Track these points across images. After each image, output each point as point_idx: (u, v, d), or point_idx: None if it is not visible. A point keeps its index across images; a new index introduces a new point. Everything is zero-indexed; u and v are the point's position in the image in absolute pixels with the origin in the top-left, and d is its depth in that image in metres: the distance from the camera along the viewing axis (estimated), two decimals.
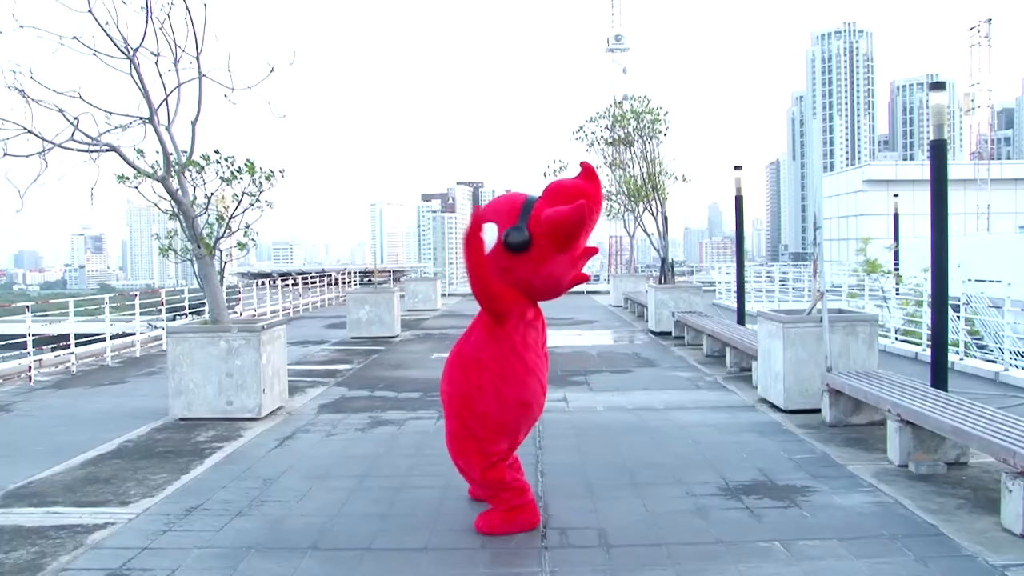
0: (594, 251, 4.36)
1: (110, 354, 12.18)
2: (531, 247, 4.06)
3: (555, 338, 14.10)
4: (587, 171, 4.29)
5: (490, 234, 4.15)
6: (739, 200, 13.42)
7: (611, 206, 20.87)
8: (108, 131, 7.19)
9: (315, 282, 27.76)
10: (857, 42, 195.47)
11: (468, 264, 4.04)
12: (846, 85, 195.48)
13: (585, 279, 4.37)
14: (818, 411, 7.04)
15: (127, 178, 7.57)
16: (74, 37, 6.80)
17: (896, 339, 13.28)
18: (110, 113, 7.17)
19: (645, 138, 16.97)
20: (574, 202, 4.00)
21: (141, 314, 13.92)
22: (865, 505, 4.69)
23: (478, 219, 4.12)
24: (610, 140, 18.54)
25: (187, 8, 7.19)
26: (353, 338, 14.66)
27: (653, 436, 6.62)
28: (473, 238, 4.01)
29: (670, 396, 8.48)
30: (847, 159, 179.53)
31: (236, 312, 17.81)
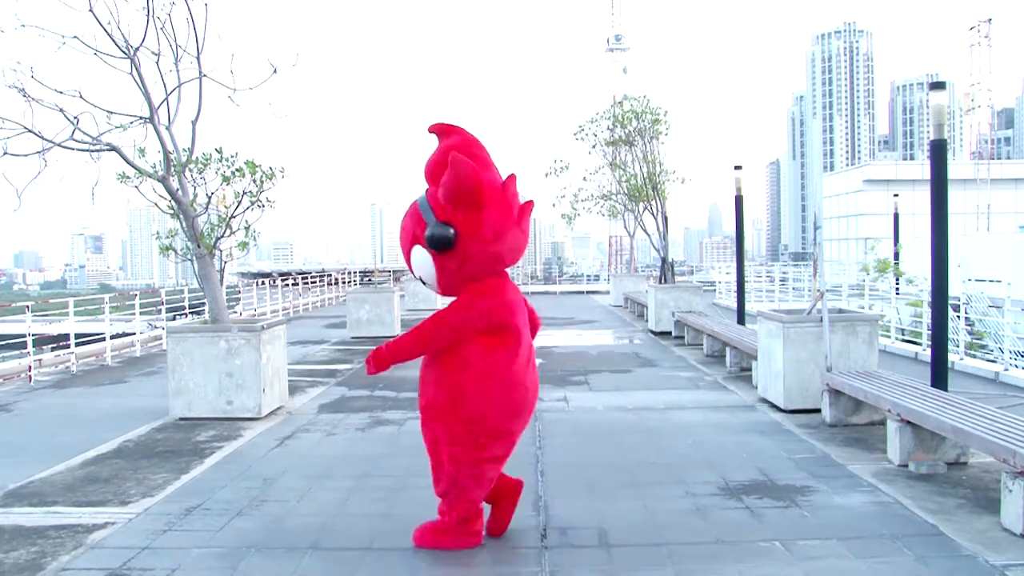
0: (529, 204, 3.97)
1: (110, 354, 12.18)
2: (457, 232, 3.72)
3: (555, 338, 14.12)
4: (440, 131, 3.93)
5: (421, 256, 3.86)
6: (739, 200, 13.42)
7: (612, 206, 20.89)
8: (108, 131, 7.20)
9: (315, 282, 27.76)
10: (857, 42, 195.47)
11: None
12: (846, 85, 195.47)
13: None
14: (818, 411, 7.04)
15: (128, 177, 7.58)
16: (75, 36, 6.81)
17: (896, 339, 13.28)
18: (111, 113, 7.17)
19: (646, 138, 16.98)
20: (445, 160, 3.66)
21: (141, 314, 13.93)
22: (865, 505, 4.69)
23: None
24: (610, 140, 18.54)
25: (188, 8, 7.19)
26: (353, 338, 14.66)
27: (653, 436, 6.62)
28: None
29: (670, 396, 8.48)
30: (847, 159, 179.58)
31: (236, 312, 17.82)
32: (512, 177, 3.95)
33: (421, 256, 3.86)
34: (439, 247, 3.75)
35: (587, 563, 3.90)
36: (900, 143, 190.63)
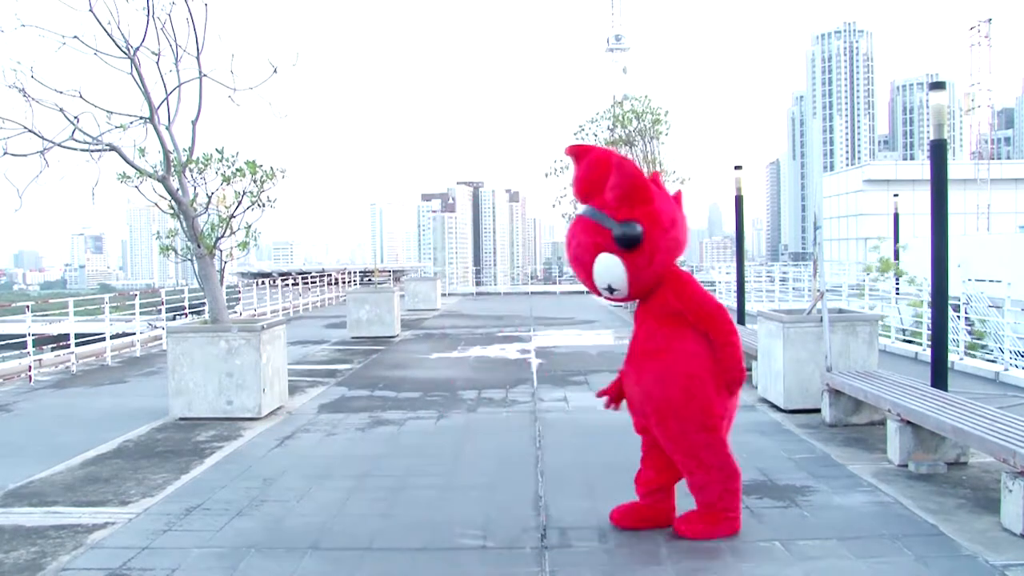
0: (679, 194, 4.30)
1: (110, 354, 12.17)
2: (643, 227, 3.90)
3: (555, 338, 14.11)
4: (576, 152, 4.16)
5: (609, 261, 3.97)
6: (739, 200, 13.42)
7: None
8: (109, 131, 7.20)
9: (315, 282, 27.75)
10: (857, 42, 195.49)
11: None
12: (846, 85, 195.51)
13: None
14: (818, 411, 7.04)
15: (128, 178, 7.58)
16: (75, 36, 6.81)
17: (896, 339, 13.28)
18: (111, 113, 7.18)
19: (646, 138, 16.98)
20: (600, 171, 3.95)
21: (141, 314, 13.92)
22: (865, 505, 4.70)
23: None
24: (611, 140, 18.56)
25: (188, 8, 7.20)
26: (353, 338, 14.66)
27: None
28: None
29: None
30: (847, 159, 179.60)
31: (236, 312, 17.82)
32: (656, 173, 4.26)
33: (609, 262, 3.97)
34: (631, 244, 3.91)
35: (587, 563, 3.90)
36: (900, 143, 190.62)
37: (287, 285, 25.51)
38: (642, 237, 3.90)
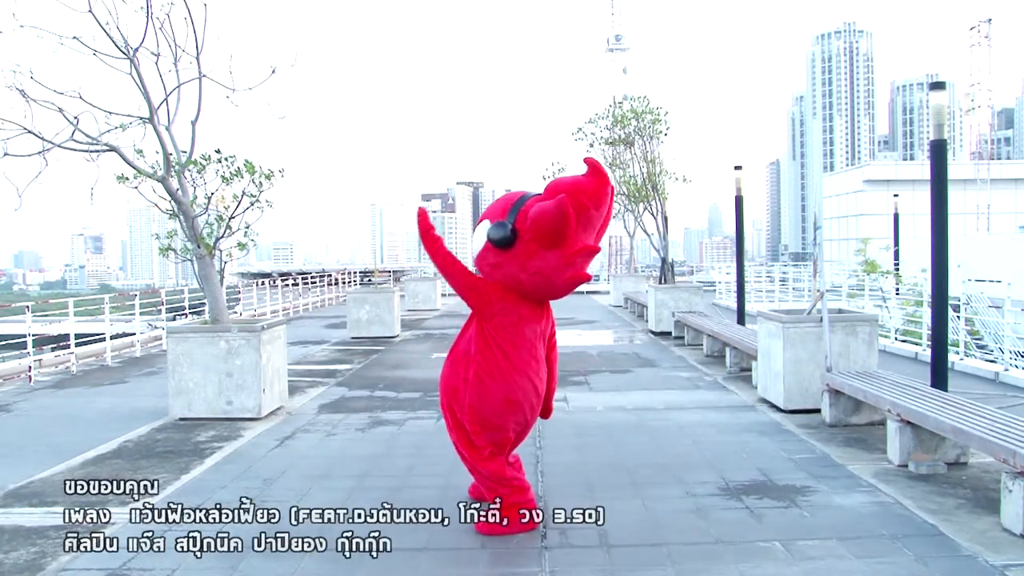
0: (594, 249, 4.14)
1: (110, 354, 12.17)
2: (516, 243, 4.05)
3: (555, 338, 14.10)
4: (591, 167, 4.05)
5: (482, 232, 4.22)
6: (739, 200, 13.42)
7: None
8: (108, 131, 7.20)
9: (315, 282, 27.76)
10: (857, 42, 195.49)
11: (433, 259, 4.28)
12: (846, 85, 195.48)
13: (585, 279, 4.21)
14: (818, 411, 7.04)
15: (127, 178, 7.57)
16: (74, 37, 6.80)
17: (896, 339, 13.28)
18: (110, 113, 7.17)
19: (645, 138, 16.98)
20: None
21: (141, 314, 13.91)
22: (865, 505, 4.69)
23: (423, 215, 4.37)
24: (610, 140, 18.55)
25: (187, 8, 7.19)
26: (353, 338, 14.66)
27: (653, 436, 6.62)
28: (426, 235, 4.25)
29: (670, 396, 8.48)
30: (847, 159, 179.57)
31: (236, 312, 17.81)
32: (592, 249, 4.22)
33: (483, 231, 4.26)
34: (493, 243, 4.17)
35: (587, 563, 3.90)
36: (900, 143, 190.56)
37: (287, 285, 25.51)
38: (504, 244, 4.11)
